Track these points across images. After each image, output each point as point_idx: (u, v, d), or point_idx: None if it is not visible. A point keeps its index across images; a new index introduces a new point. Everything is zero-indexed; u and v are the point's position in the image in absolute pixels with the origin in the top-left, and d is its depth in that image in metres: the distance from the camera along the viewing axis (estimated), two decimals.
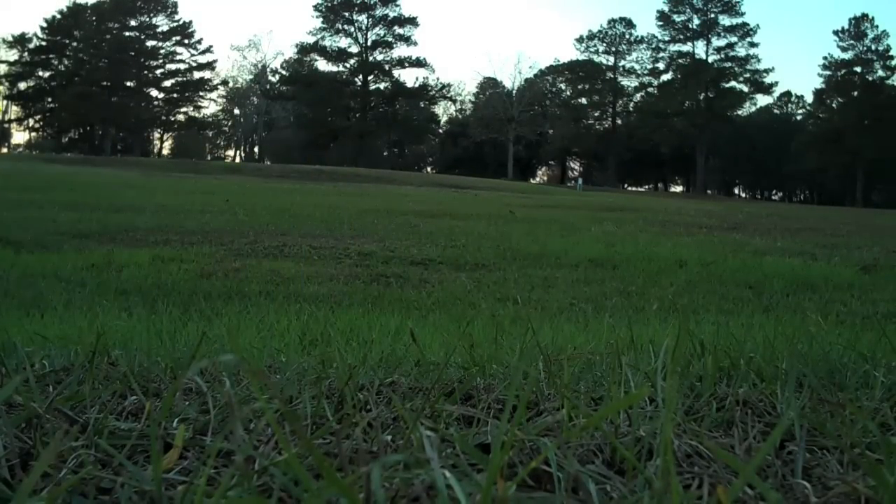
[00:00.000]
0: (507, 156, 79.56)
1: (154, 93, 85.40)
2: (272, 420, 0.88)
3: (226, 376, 1.29)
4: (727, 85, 79.00)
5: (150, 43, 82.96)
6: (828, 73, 76.49)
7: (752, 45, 79.00)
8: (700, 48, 79.82)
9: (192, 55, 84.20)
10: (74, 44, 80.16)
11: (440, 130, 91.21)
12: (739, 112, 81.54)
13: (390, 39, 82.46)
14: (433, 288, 9.10)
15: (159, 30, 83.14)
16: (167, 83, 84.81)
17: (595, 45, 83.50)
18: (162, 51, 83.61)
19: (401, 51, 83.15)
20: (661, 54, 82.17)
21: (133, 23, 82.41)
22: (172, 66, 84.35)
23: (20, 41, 79.58)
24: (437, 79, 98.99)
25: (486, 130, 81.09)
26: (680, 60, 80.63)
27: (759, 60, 79.20)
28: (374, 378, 1.45)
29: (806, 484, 0.89)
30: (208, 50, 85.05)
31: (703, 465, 0.95)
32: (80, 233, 12.75)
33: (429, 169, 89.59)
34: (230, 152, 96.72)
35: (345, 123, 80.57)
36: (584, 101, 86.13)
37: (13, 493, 0.83)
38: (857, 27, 75.03)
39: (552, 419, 1.09)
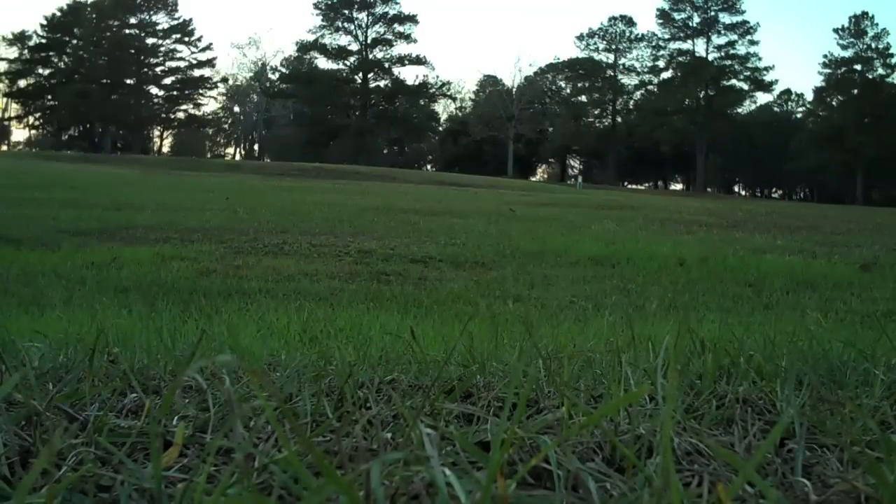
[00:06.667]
0: (506, 154, 79.52)
1: (154, 90, 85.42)
2: (272, 418, 0.88)
3: (225, 374, 1.29)
4: (727, 83, 78.97)
5: (150, 41, 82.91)
6: (828, 71, 76.46)
7: (753, 42, 79.06)
8: (700, 46, 79.85)
9: (192, 53, 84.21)
10: (74, 41, 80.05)
11: (440, 128, 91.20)
12: (739, 110, 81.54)
13: (390, 37, 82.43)
14: (433, 286, 9.10)
15: (159, 27, 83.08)
16: (167, 81, 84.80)
17: (595, 43, 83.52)
18: (162, 48, 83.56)
19: (401, 48, 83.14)
20: (662, 52, 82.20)
21: (133, 20, 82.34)
22: (172, 64, 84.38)
23: (20, 39, 79.53)
24: (437, 77, 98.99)
25: (485, 128, 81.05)
26: (680, 58, 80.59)
27: (759, 58, 79.27)
28: (373, 376, 1.45)
29: (806, 482, 0.89)
30: (208, 48, 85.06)
31: (703, 462, 0.95)
32: (80, 230, 12.75)
33: (429, 167, 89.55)
34: (230, 150, 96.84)
35: (345, 121, 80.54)
36: (584, 98, 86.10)
37: (13, 491, 0.83)
38: (857, 25, 74.98)
39: (552, 417, 1.09)
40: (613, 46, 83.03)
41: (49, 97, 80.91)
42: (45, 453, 0.70)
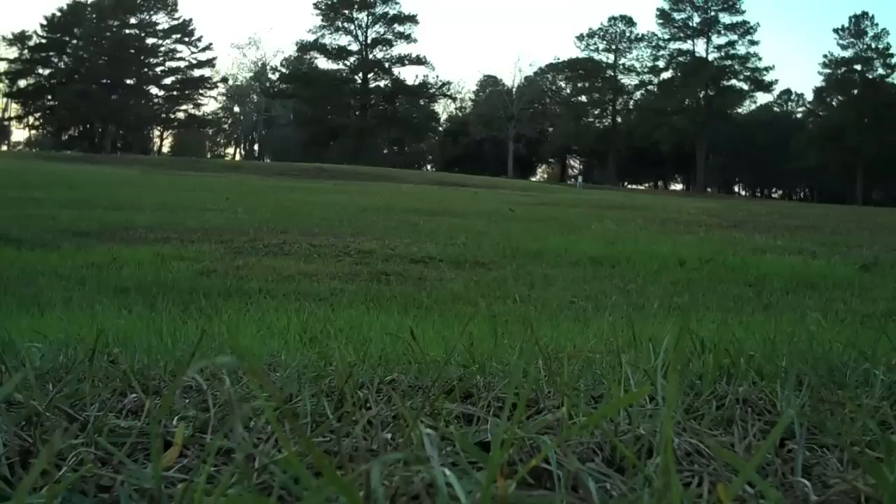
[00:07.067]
0: (507, 154, 79.51)
1: (154, 90, 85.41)
2: (272, 418, 0.88)
3: (225, 374, 1.29)
4: (727, 83, 78.94)
5: (150, 41, 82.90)
6: (828, 71, 76.48)
7: (753, 43, 79.01)
8: (700, 46, 79.83)
9: (192, 53, 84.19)
10: (74, 41, 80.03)
11: (440, 128, 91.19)
12: (739, 110, 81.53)
13: (390, 37, 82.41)
14: (433, 286, 9.10)
15: (159, 27, 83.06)
16: (167, 81, 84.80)
17: (595, 43, 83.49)
18: (162, 48, 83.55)
19: (401, 48, 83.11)
20: (662, 52, 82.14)
21: (133, 20, 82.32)
22: (172, 64, 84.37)
23: (20, 39, 79.50)
24: (437, 77, 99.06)
25: (486, 128, 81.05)
26: (680, 58, 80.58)
27: (759, 58, 79.22)
28: (373, 376, 1.45)
29: (806, 482, 0.89)
30: (208, 48, 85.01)
31: (703, 463, 0.95)
32: (80, 230, 12.75)
33: (429, 167, 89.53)
34: (230, 150, 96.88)
35: (345, 121, 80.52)
36: (584, 98, 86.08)
37: (13, 491, 0.83)
38: (857, 25, 74.98)
39: (552, 417, 1.09)
40: (613, 46, 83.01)
41: (49, 97, 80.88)
42: (45, 453, 0.70)
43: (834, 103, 76.42)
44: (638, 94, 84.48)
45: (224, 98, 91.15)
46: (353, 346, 2.32)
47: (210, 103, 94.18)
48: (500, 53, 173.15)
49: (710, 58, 79.10)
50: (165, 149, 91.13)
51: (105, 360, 1.52)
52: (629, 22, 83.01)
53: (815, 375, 1.40)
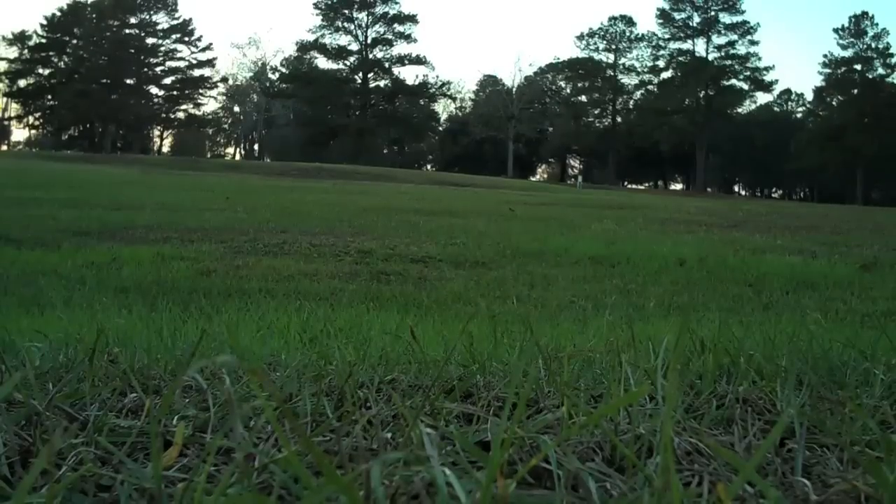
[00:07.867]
0: (506, 153, 79.54)
1: (154, 90, 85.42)
2: (272, 418, 0.88)
3: (225, 374, 1.29)
4: (727, 83, 79.00)
5: (150, 40, 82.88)
6: (828, 70, 76.51)
7: (753, 42, 79.08)
8: (700, 46, 79.88)
9: (192, 53, 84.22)
10: (74, 41, 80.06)
11: (440, 128, 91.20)
12: (739, 110, 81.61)
13: (390, 37, 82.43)
14: (433, 285, 9.09)
15: (159, 27, 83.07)
16: (167, 80, 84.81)
17: (595, 43, 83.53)
18: (162, 48, 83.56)
19: (400, 48, 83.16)
20: (662, 52, 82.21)
21: (133, 20, 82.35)
22: (172, 64, 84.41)
23: (20, 38, 79.53)
24: (437, 76, 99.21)
25: (485, 128, 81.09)
26: (680, 58, 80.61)
27: (759, 58, 79.32)
28: (373, 375, 1.44)
29: (806, 482, 0.89)
30: (208, 47, 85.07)
31: (703, 462, 0.95)
32: (80, 230, 12.75)
33: (428, 167, 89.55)
34: (230, 150, 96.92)
35: (344, 121, 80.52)
36: (584, 98, 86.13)
37: (13, 491, 0.83)
38: (857, 25, 75.00)
39: (552, 417, 1.09)
40: (613, 46, 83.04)
41: (49, 97, 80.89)
42: (45, 453, 0.70)
43: (834, 103, 76.45)
44: (638, 94, 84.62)
45: (224, 98, 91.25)
46: (353, 346, 2.32)
47: (210, 103, 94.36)
48: (500, 53, 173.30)
49: (710, 58, 79.16)
50: (165, 148, 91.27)
51: (105, 360, 1.52)
52: (629, 22, 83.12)
53: (815, 375, 1.40)
